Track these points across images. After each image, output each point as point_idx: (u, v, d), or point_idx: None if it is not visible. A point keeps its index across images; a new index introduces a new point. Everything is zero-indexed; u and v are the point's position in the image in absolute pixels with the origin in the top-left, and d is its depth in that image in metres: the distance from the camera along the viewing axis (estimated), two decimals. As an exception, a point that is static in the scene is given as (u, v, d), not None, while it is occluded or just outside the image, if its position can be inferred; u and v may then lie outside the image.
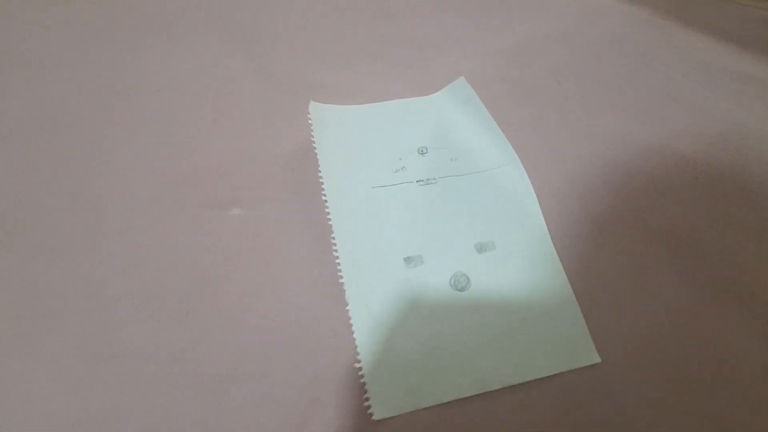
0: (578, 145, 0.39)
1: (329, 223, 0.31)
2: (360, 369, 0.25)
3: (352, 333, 0.27)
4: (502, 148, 0.35)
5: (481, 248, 0.32)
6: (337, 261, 0.29)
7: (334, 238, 0.30)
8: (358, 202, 0.33)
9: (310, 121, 0.35)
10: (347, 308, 0.27)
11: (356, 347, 0.26)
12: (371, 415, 0.24)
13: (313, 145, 0.34)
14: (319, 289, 0.28)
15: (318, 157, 0.34)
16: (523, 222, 0.33)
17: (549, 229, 0.32)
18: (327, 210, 0.31)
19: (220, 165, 0.34)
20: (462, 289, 0.30)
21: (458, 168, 0.36)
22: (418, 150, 0.37)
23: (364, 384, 0.25)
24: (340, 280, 0.29)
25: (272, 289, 0.28)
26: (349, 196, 0.33)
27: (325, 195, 0.32)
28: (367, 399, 0.25)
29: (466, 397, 0.25)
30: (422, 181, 0.35)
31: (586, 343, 0.27)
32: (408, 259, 0.31)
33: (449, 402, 0.25)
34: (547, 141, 0.39)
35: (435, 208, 0.34)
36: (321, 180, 0.33)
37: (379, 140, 0.37)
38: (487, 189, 0.35)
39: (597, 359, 0.27)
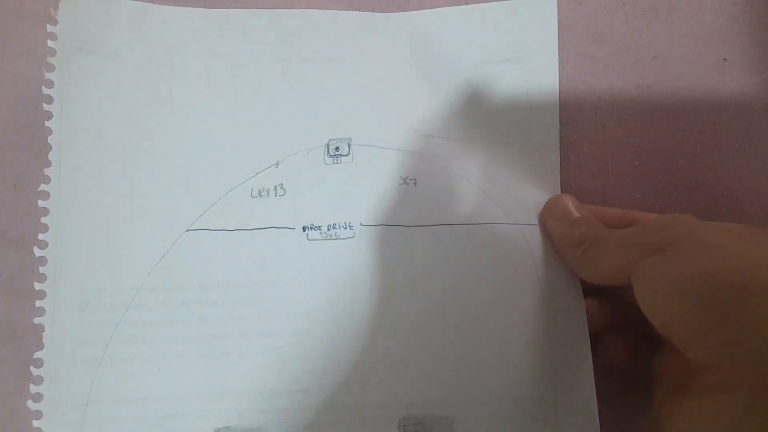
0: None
1: (37, 305, 0.17)
2: None
3: None
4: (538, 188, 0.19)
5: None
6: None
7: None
8: (139, 262, 0.17)
9: (51, 42, 0.18)
10: None
11: None
12: None
13: (47, 95, 0.18)
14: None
15: (53, 126, 0.18)
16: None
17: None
18: (42, 269, 0.17)
19: None
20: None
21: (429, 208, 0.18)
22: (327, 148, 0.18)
23: None
24: None
25: None
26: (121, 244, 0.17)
27: (46, 230, 0.17)
28: None
29: None
30: (318, 228, 0.17)
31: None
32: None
33: None
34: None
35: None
36: (46, 187, 0.17)
37: (229, 106, 0.18)
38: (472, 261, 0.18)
39: None
